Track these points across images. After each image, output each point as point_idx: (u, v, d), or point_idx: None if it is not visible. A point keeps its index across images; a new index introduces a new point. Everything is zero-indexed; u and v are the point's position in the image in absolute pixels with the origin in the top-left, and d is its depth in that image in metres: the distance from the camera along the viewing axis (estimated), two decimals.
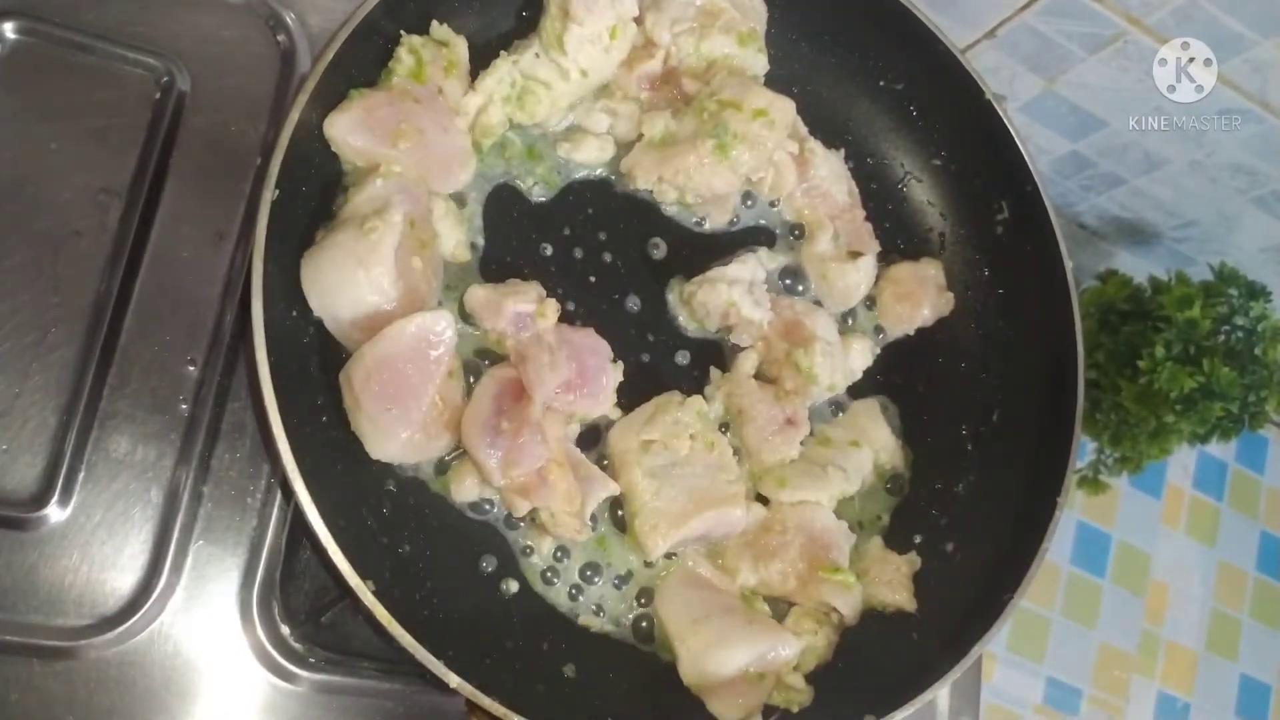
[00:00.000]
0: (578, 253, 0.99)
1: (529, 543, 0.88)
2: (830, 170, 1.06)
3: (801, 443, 0.98)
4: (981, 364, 1.08)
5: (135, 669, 0.80)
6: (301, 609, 0.87)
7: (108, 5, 0.93)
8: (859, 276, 1.04)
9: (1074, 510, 1.53)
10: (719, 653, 0.85)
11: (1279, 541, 1.71)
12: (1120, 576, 1.57)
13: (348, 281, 0.81)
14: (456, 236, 0.92)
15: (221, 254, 0.91)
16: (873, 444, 1.02)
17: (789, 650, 0.87)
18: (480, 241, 0.95)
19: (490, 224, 0.96)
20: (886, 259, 1.08)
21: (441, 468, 0.87)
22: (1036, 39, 1.21)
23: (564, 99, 0.98)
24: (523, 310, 0.88)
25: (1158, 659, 1.58)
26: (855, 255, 1.04)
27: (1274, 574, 1.70)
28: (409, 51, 0.90)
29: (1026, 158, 1.06)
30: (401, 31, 0.90)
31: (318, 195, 0.86)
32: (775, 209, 1.07)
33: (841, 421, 1.03)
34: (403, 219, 0.83)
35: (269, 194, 0.78)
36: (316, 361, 0.84)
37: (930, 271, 1.09)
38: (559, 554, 0.89)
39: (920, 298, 1.07)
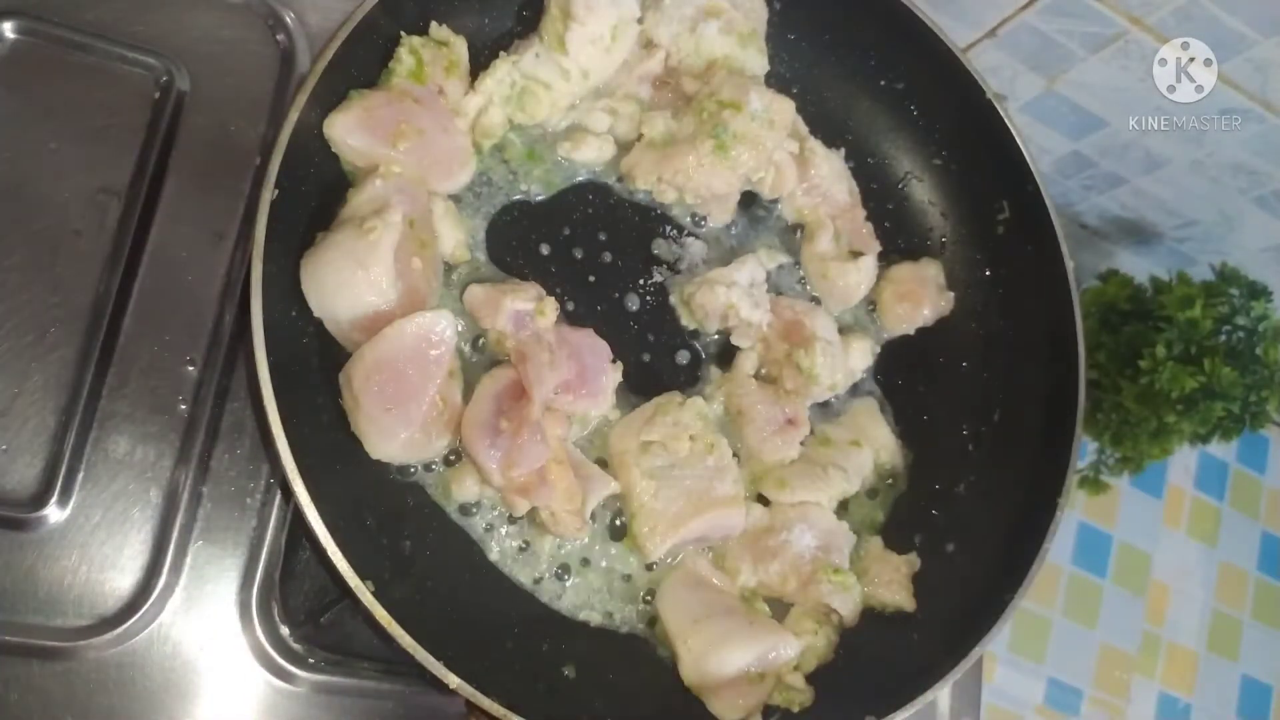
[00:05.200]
0: (577, 252, 0.98)
1: (529, 543, 0.88)
2: (830, 170, 1.06)
3: (802, 443, 0.98)
4: (981, 364, 1.08)
5: (135, 669, 0.80)
6: (301, 609, 0.87)
7: (108, 5, 0.93)
8: (859, 276, 1.04)
9: (1075, 510, 1.53)
10: (720, 653, 0.85)
11: None
12: (1121, 577, 1.56)
13: (346, 282, 0.81)
14: (456, 236, 0.92)
15: (221, 254, 0.91)
16: (873, 443, 1.02)
17: (790, 651, 0.87)
18: (480, 241, 0.95)
19: (490, 224, 0.96)
20: (887, 259, 1.08)
21: (441, 468, 0.87)
22: (1037, 38, 1.21)
23: (564, 99, 0.98)
24: (522, 309, 0.88)
25: (1159, 659, 1.58)
26: (855, 255, 1.04)
27: (1275, 574, 1.70)
28: (409, 52, 0.90)
29: (1027, 157, 1.06)
30: (401, 32, 0.90)
31: (317, 195, 0.86)
32: (775, 209, 1.07)
33: (842, 421, 1.03)
34: (402, 219, 0.83)
35: (268, 194, 0.78)
36: (316, 361, 0.83)
37: (930, 271, 1.09)
38: (559, 554, 0.89)
39: (921, 297, 1.07)
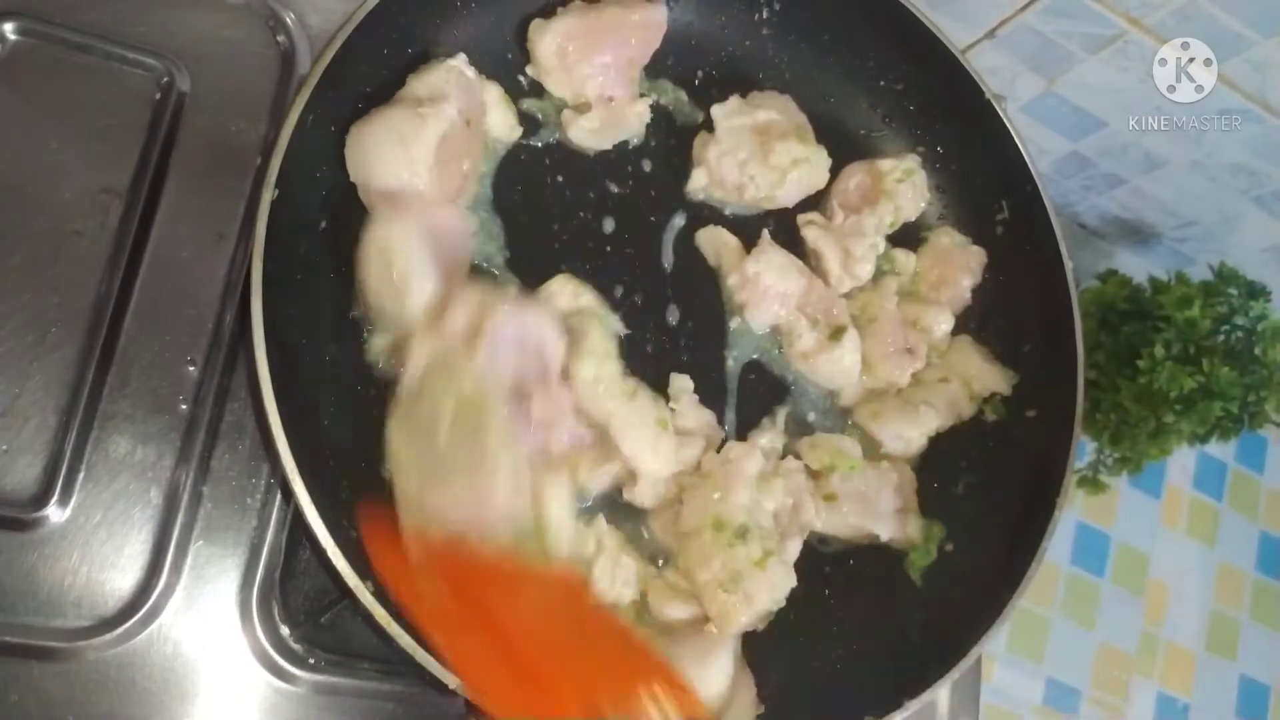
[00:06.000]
0: None
1: None
2: (774, 264, 1.00)
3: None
4: None
5: (135, 670, 0.80)
6: (301, 609, 0.87)
7: (108, 5, 0.92)
8: (850, 356, 1.01)
9: (1073, 510, 1.53)
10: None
11: (1279, 542, 1.70)
12: (1120, 577, 1.56)
13: (385, 155, 0.84)
14: (508, 122, 0.95)
15: (221, 254, 0.91)
16: (962, 376, 1.04)
17: None
18: None
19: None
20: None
21: None
22: (1037, 39, 1.21)
23: None
24: None
25: (1157, 659, 1.58)
26: (838, 333, 1.00)
27: (1274, 574, 1.70)
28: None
29: (1026, 157, 1.06)
30: None
31: (318, 195, 0.86)
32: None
33: (932, 361, 1.06)
34: (458, 114, 0.86)
35: (269, 194, 0.78)
36: (319, 361, 0.84)
37: (944, 241, 1.10)
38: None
39: (952, 271, 1.08)
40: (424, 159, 0.84)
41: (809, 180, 1.05)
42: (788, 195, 1.04)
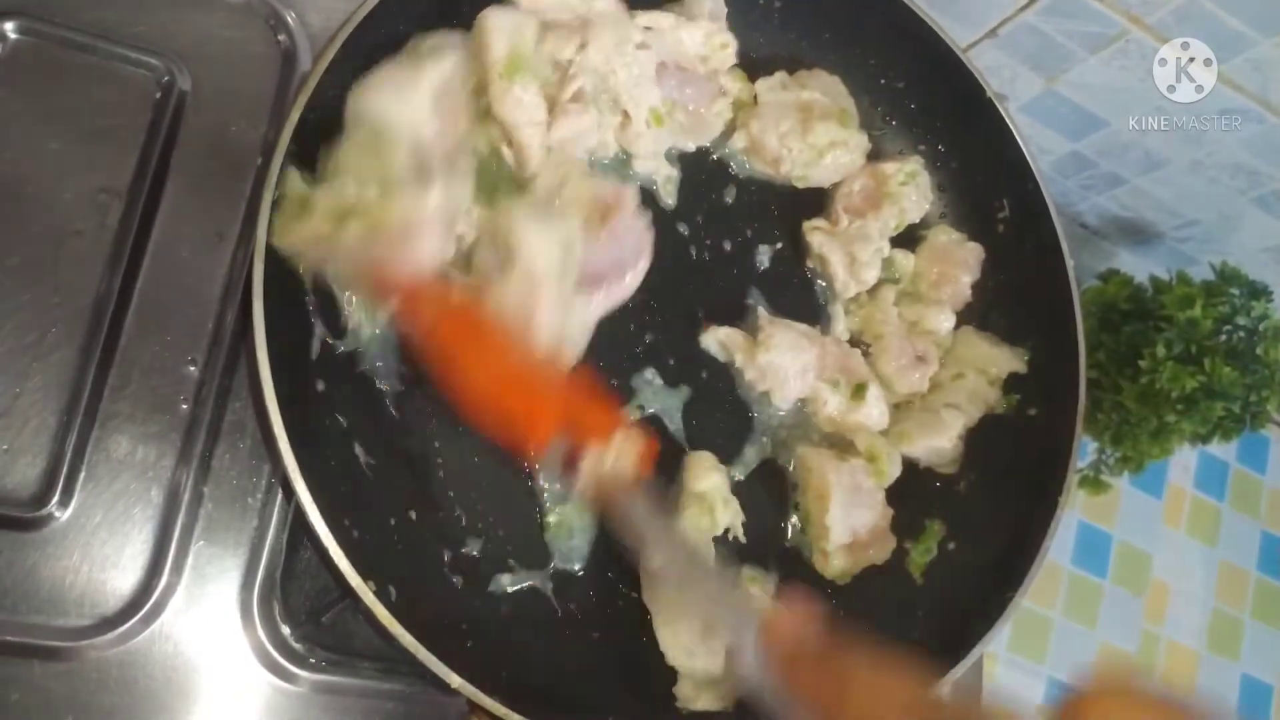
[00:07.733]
0: None
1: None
2: (787, 341, 0.99)
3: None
4: None
5: (136, 669, 0.80)
6: (302, 609, 0.87)
7: (108, 5, 0.93)
8: (877, 408, 1.00)
9: (1075, 510, 1.53)
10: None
11: None
12: (1121, 576, 1.56)
13: (384, 104, 0.82)
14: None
15: (221, 254, 0.91)
16: (975, 366, 1.04)
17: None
18: None
19: None
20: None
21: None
22: (1037, 38, 1.21)
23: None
24: None
25: (1159, 659, 1.58)
26: (860, 390, 0.99)
27: (1276, 574, 1.70)
28: None
29: (1028, 157, 1.06)
30: None
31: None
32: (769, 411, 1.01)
33: (942, 361, 1.05)
34: (454, 67, 0.85)
35: (269, 194, 0.78)
36: (319, 361, 0.84)
37: (942, 239, 1.10)
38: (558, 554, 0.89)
39: (952, 270, 1.08)
40: (422, 107, 0.83)
41: (843, 163, 1.06)
42: (822, 175, 1.06)
